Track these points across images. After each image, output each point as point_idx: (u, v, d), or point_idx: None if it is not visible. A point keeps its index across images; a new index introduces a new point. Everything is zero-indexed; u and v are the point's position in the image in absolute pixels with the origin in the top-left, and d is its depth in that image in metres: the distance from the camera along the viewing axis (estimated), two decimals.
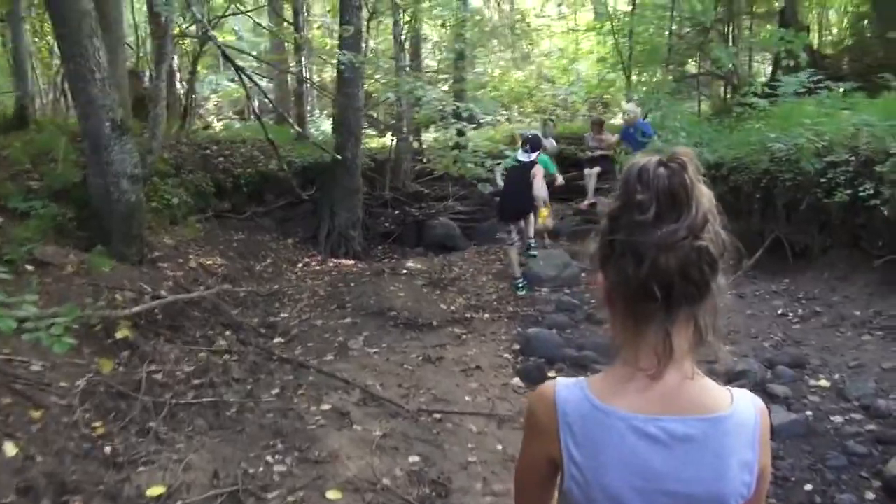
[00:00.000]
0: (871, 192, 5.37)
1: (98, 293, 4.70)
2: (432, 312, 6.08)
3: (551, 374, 4.70)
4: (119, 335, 4.29)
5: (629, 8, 14.53)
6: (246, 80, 7.98)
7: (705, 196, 0.95)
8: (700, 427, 0.96)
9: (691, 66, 14.12)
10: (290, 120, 10.57)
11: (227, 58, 8.22)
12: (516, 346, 5.37)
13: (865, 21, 13.80)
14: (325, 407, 4.04)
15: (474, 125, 13.31)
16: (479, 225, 10.94)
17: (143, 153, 6.77)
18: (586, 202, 10.39)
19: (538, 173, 7.05)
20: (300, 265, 8.36)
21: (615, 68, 18.14)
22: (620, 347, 1.02)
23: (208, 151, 9.05)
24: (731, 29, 15.59)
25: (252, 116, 13.44)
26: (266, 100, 11.10)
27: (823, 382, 4.24)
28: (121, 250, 5.60)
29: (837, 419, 3.82)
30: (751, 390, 1.05)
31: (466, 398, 4.37)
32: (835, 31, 14.88)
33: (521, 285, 6.88)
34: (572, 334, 5.59)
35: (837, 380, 4.28)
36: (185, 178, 7.96)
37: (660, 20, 11.15)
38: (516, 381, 4.74)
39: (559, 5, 19.55)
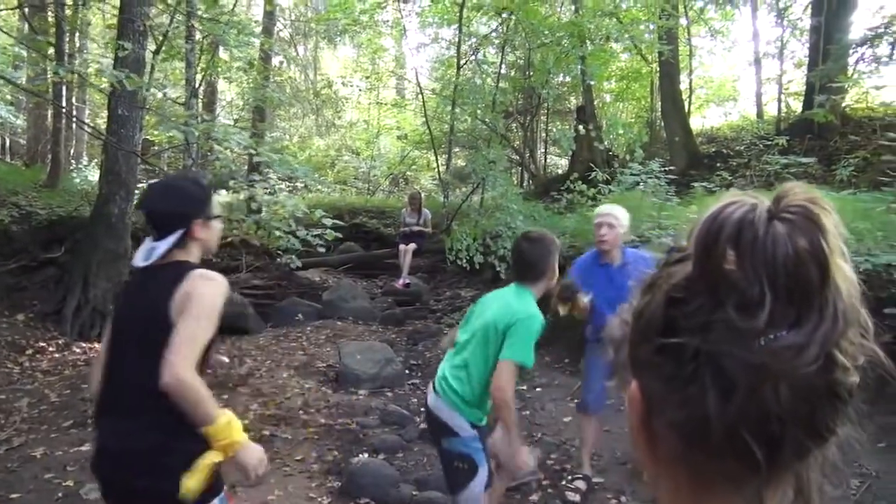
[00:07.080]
0: None
1: None
2: None
3: None
4: None
5: (439, 88, 14.50)
6: None
7: (847, 279, 0.47)
8: None
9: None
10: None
11: None
12: (334, 483, 3.99)
13: (648, 129, 15.02)
14: None
15: (268, 191, 11.90)
16: (277, 303, 9.44)
17: None
18: (402, 281, 9.56)
19: None
20: (30, 353, 6.19)
21: (419, 146, 18.11)
22: None
23: None
24: (531, 121, 16.30)
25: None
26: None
27: None
28: None
29: None
30: None
31: None
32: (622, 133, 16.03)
33: None
34: (406, 461, 4.34)
35: None
36: None
37: (474, 104, 10.87)
38: None
39: (366, 77, 19.18)
